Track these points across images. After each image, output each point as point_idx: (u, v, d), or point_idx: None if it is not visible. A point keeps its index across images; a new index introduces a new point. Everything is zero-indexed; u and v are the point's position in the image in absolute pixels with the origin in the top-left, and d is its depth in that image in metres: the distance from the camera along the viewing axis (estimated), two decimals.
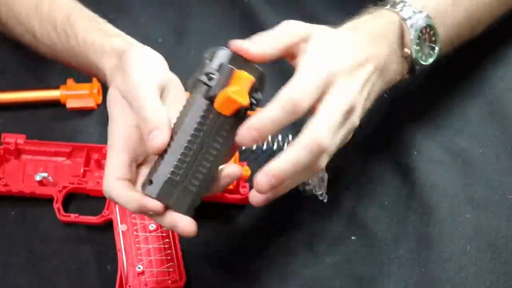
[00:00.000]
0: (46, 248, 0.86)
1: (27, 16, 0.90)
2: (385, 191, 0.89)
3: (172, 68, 0.82)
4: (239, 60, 0.74)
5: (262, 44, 0.76)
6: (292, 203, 0.89)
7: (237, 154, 0.88)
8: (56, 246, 0.86)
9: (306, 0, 1.04)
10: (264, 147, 0.92)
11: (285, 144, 0.92)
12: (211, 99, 0.73)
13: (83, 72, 0.90)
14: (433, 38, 0.85)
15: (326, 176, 0.89)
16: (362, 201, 0.88)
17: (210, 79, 0.73)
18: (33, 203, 0.89)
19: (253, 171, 0.88)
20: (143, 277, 0.83)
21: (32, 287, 0.84)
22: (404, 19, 0.82)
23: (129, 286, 0.82)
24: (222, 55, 0.74)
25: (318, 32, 0.78)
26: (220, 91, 0.72)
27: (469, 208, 0.87)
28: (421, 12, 0.83)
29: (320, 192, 0.88)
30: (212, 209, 0.88)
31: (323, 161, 0.75)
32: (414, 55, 0.83)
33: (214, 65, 0.74)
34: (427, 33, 0.84)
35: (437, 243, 0.84)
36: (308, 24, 0.79)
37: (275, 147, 0.92)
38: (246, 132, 0.73)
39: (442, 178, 0.89)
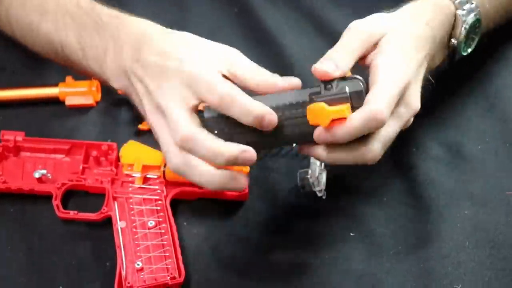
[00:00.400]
0: (45, 245, 0.86)
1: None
2: (384, 188, 0.89)
3: None
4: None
5: (343, 63, 0.76)
6: (291, 199, 0.89)
7: None
8: (55, 243, 0.86)
9: None
10: None
11: None
12: (311, 100, 0.75)
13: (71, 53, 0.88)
14: (477, 30, 0.87)
15: (325, 172, 0.89)
16: (361, 198, 0.89)
17: (326, 88, 0.75)
18: (32, 200, 0.89)
19: (252, 168, 0.89)
20: (142, 273, 0.83)
21: (31, 283, 0.84)
22: (461, 15, 0.85)
23: (128, 283, 0.82)
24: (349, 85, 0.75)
25: (390, 31, 0.78)
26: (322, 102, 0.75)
27: (468, 204, 0.87)
28: (475, 6, 0.86)
29: (319, 189, 0.88)
30: (211, 205, 0.88)
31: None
32: (459, 47, 0.86)
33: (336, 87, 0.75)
34: (474, 26, 0.86)
35: (435, 239, 0.85)
36: (376, 21, 0.80)
37: None
38: (323, 136, 0.75)
39: (441, 174, 0.89)
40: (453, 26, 0.85)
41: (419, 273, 0.83)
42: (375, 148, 0.77)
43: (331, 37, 0.98)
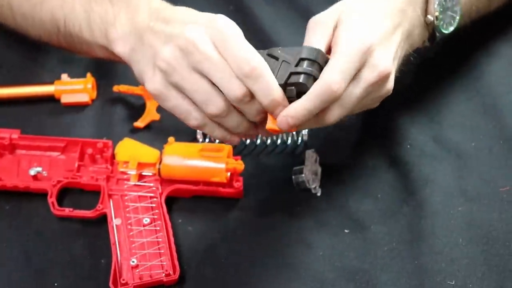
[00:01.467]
0: (40, 242, 0.86)
1: None
2: (378, 184, 0.89)
3: None
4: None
5: None
6: (285, 196, 0.89)
7: (230, 148, 0.89)
8: (50, 240, 0.86)
9: None
10: (258, 141, 0.92)
11: (279, 139, 0.92)
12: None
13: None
14: (455, 8, 0.86)
15: (319, 169, 0.90)
16: (355, 195, 0.89)
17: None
18: (28, 198, 0.89)
19: (247, 166, 0.89)
20: (137, 270, 0.83)
21: (26, 281, 0.84)
22: None
23: (123, 280, 0.82)
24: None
25: (345, 11, 0.79)
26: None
27: (462, 200, 0.87)
28: None
29: (313, 186, 0.88)
30: (206, 203, 0.89)
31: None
32: (436, 23, 0.84)
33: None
34: (450, 1, 0.86)
35: (429, 235, 0.85)
36: (332, 9, 0.80)
37: (268, 141, 0.92)
38: (283, 119, 0.76)
39: (435, 171, 0.90)
40: (427, 2, 0.84)
41: (413, 270, 0.83)
42: (335, 113, 0.77)
43: None
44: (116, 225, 0.86)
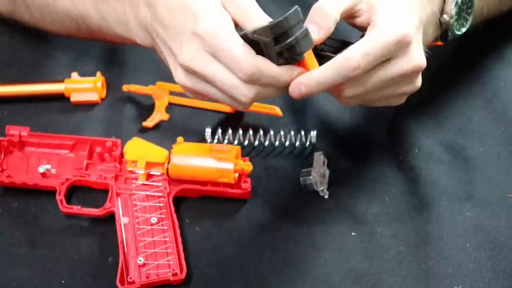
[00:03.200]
0: (48, 239, 0.87)
1: None
2: (386, 188, 0.89)
3: None
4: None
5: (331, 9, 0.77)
6: (293, 198, 0.89)
7: (238, 149, 0.89)
8: (58, 237, 0.87)
9: None
10: (266, 143, 0.92)
11: (287, 141, 0.92)
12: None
13: (95, 23, 0.89)
14: (469, 10, 0.86)
15: (327, 172, 0.90)
16: (363, 198, 0.89)
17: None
18: (36, 195, 0.89)
19: (255, 167, 0.89)
20: (144, 269, 0.83)
21: (33, 278, 0.84)
22: None
23: (130, 278, 0.82)
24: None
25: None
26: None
27: (469, 205, 0.87)
28: None
29: (321, 188, 0.88)
30: (213, 203, 0.89)
31: None
32: (451, 22, 0.84)
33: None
34: (465, 4, 0.86)
35: (436, 240, 0.85)
36: None
37: (276, 143, 0.92)
38: (296, 87, 0.76)
39: (443, 175, 0.90)
40: (444, 2, 0.84)
41: (419, 274, 0.83)
42: (350, 91, 0.77)
43: (335, 35, 0.99)
44: (123, 223, 0.86)
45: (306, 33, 0.74)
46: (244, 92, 0.76)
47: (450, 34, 0.86)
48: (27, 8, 0.94)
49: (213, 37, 0.75)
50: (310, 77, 0.75)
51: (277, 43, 0.74)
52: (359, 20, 0.79)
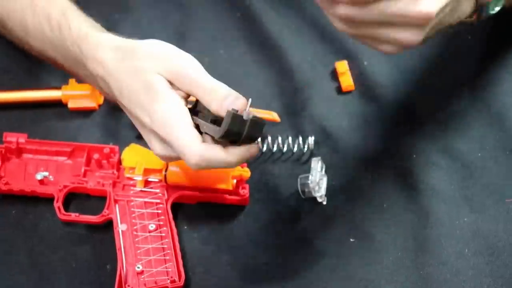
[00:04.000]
0: (46, 247, 0.87)
1: (21, 9, 0.89)
2: (384, 194, 0.89)
3: None
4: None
5: None
6: (291, 204, 0.89)
7: None
8: (56, 245, 0.87)
9: (308, 2, 1.04)
10: (264, 149, 0.92)
11: (285, 146, 0.92)
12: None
13: (68, 71, 0.89)
14: None
15: (325, 178, 0.90)
16: (361, 203, 0.89)
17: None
18: (34, 202, 0.89)
19: (253, 173, 0.89)
20: (142, 276, 0.83)
21: (31, 285, 0.84)
22: None
23: (128, 286, 0.82)
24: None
25: None
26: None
27: (467, 211, 0.87)
28: None
29: (319, 194, 0.89)
30: (211, 209, 0.89)
31: None
32: (488, 1, 0.80)
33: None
34: None
35: (435, 245, 0.85)
36: None
37: (274, 149, 0.92)
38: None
39: (441, 181, 0.90)
40: None
41: (418, 280, 0.83)
42: (342, 11, 0.74)
43: (332, 42, 0.99)
44: (121, 230, 0.86)
45: (256, 121, 0.75)
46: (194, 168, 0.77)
47: (484, 12, 0.81)
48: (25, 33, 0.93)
49: (164, 128, 0.76)
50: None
51: (231, 140, 0.75)
52: None
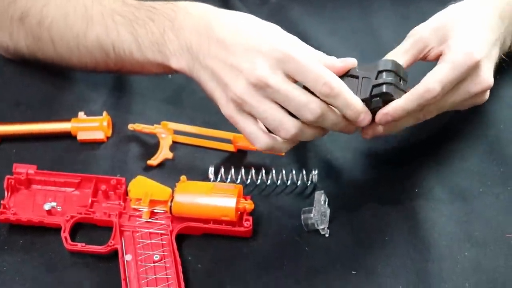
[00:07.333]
0: (53, 276, 0.87)
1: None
2: (386, 227, 0.90)
3: None
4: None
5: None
6: (294, 236, 0.90)
7: (241, 187, 0.90)
8: (62, 274, 0.87)
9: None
10: (268, 182, 0.94)
11: (289, 180, 0.93)
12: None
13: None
14: None
15: (328, 211, 0.91)
16: (363, 236, 0.90)
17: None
18: (41, 232, 0.90)
19: (257, 205, 0.90)
20: None
21: None
22: None
23: None
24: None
25: (450, 23, 0.85)
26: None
27: (468, 246, 0.88)
28: None
29: (322, 227, 0.89)
30: (215, 241, 0.90)
31: None
32: None
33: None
34: None
35: (435, 279, 0.85)
36: (435, 20, 0.87)
37: (278, 182, 0.94)
38: (383, 117, 0.83)
39: (442, 215, 0.90)
40: None
41: None
42: (430, 113, 0.86)
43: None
44: (127, 260, 0.87)
45: (396, 85, 0.82)
46: (289, 123, 0.82)
47: None
48: (53, 44, 0.96)
49: (294, 53, 0.81)
50: (396, 108, 0.82)
51: (377, 77, 0.82)
52: (430, 57, 0.87)
